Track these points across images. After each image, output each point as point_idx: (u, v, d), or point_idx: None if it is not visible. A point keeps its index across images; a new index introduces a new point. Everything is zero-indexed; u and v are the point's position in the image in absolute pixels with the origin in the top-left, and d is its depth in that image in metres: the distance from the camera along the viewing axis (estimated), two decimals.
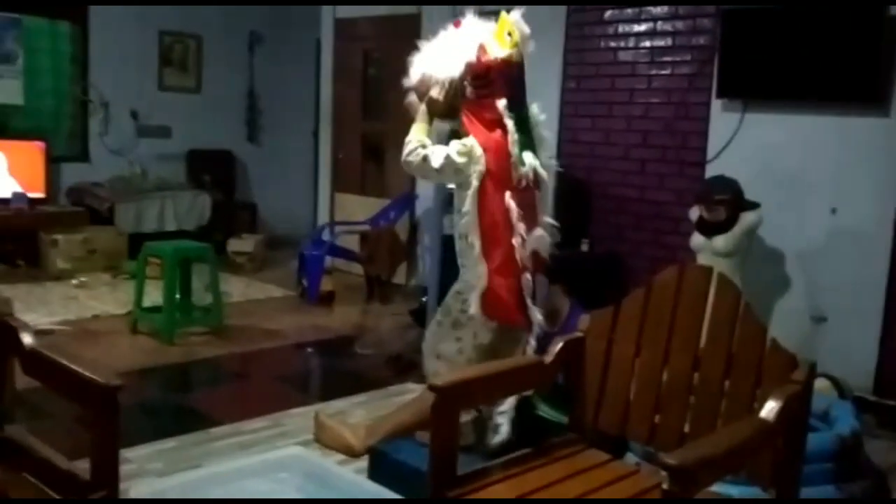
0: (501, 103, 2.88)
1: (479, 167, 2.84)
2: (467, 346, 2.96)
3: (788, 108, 4.47)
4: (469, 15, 2.99)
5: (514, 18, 2.90)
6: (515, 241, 2.84)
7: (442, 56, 2.94)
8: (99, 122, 7.40)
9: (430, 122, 2.98)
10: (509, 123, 2.87)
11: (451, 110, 2.96)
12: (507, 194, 2.85)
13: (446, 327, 3.00)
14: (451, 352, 2.98)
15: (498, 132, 2.88)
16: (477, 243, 2.85)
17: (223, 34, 8.10)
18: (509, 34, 2.88)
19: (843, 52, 4.16)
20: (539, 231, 2.92)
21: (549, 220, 3.00)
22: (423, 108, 2.96)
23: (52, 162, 6.96)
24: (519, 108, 2.93)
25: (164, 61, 7.84)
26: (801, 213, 4.44)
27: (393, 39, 6.52)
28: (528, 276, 2.87)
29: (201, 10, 7.88)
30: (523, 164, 2.87)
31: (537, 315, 2.89)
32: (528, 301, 2.88)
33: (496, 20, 2.93)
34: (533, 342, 2.87)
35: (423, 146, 2.88)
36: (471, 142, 2.87)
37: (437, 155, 2.85)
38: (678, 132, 4.98)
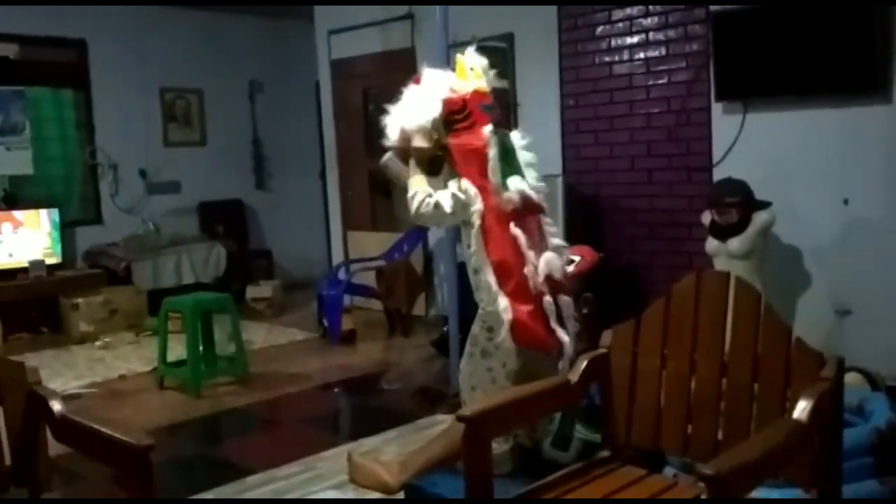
0: (487, 129, 2.96)
1: (478, 206, 2.89)
2: (499, 374, 2.97)
3: (789, 104, 4.47)
4: (426, 69, 3.10)
5: (469, 55, 3.06)
6: (527, 270, 2.86)
7: (414, 107, 3.00)
8: (109, 184, 7.50)
9: (425, 171, 3.01)
10: (490, 153, 2.92)
11: (437, 157, 3.00)
12: (512, 224, 2.88)
13: (477, 358, 3.01)
14: (484, 382, 2.99)
15: (486, 163, 2.93)
16: (492, 279, 2.87)
17: (223, 86, 8.21)
18: (471, 69, 3.03)
19: (837, 43, 4.17)
20: (549, 254, 2.93)
21: (558, 241, 3.01)
22: (412, 162, 3.00)
23: (67, 227, 7.05)
24: (503, 134, 3.01)
25: (168, 118, 7.95)
26: (813, 207, 4.43)
27: (390, 75, 6.58)
28: (547, 299, 2.88)
29: (200, 65, 8.00)
30: (507, 188, 2.90)
31: (564, 336, 2.90)
32: (553, 324, 2.89)
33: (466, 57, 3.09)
34: (567, 365, 2.86)
35: (430, 195, 2.91)
36: (465, 184, 2.92)
37: (445, 198, 2.90)
38: (681, 139, 4.99)
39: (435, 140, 2.97)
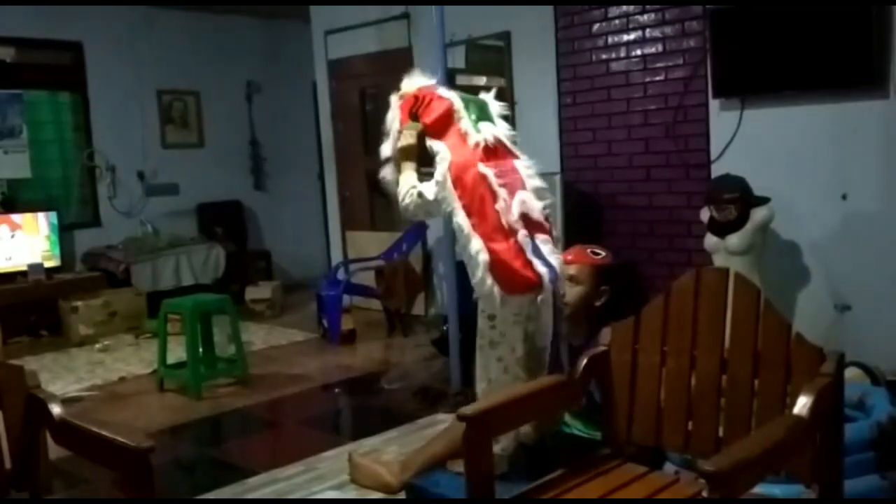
0: (441, 90, 3.06)
1: (445, 156, 2.90)
2: (510, 362, 2.94)
3: (786, 99, 4.47)
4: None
5: (404, 84, 3.18)
6: (498, 206, 2.83)
7: (388, 143, 3.11)
8: (107, 187, 7.49)
9: (415, 165, 3.04)
10: (457, 102, 2.98)
11: (423, 150, 3.03)
12: (480, 165, 2.86)
13: (486, 350, 2.98)
14: (496, 372, 2.96)
15: (454, 120, 2.98)
16: (465, 222, 2.86)
17: (220, 87, 8.20)
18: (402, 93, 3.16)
19: (834, 38, 4.16)
20: (524, 193, 2.89)
21: (537, 182, 2.96)
22: (402, 160, 3.04)
23: (65, 230, 7.04)
24: (465, 94, 3.08)
25: (165, 119, 7.95)
26: (812, 202, 4.43)
27: (387, 75, 6.56)
28: (522, 232, 2.84)
29: (197, 66, 8.00)
30: (478, 130, 2.94)
31: (541, 268, 2.84)
32: (530, 255, 2.84)
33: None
34: (549, 297, 2.83)
35: (414, 186, 2.95)
36: (431, 143, 2.95)
37: (428, 188, 2.92)
38: (679, 136, 4.98)
39: (415, 133, 3.02)
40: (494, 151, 2.93)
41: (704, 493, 1.60)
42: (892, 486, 2.72)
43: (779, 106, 4.51)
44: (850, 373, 3.20)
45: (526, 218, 2.86)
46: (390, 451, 3.70)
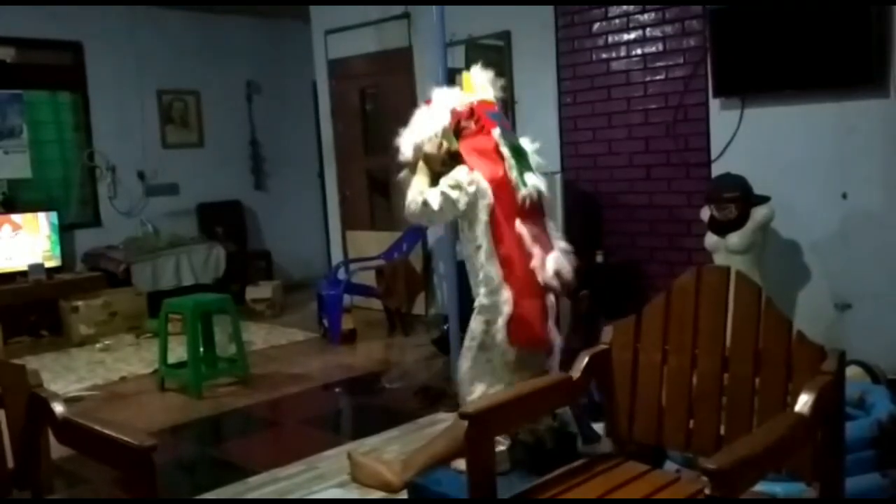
0: (496, 132, 3.03)
1: (487, 201, 2.95)
2: (498, 365, 2.99)
3: (786, 98, 4.47)
4: (436, 90, 3.21)
5: (474, 71, 3.19)
6: (534, 263, 2.92)
7: (425, 122, 3.10)
8: (107, 187, 7.50)
9: (431, 176, 3.07)
10: (505, 151, 3.00)
11: (446, 161, 3.07)
12: (517, 222, 2.94)
13: (475, 352, 3.03)
14: (485, 375, 3.00)
15: (498, 162, 3.00)
16: (498, 272, 2.90)
17: (220, 87, 8.21)
18: (477, 84, 3.16)
19: (834, 37, 4.17)
20: (558, 253, 3.00)
21: (563, 244, 3.08)
22: (420, 164, 3.07)
23: (65, 230, 7.04)
24: (511, 138, 3.10)
25: (166, 119, 7.95)
26: (812, 201, 4.43)
27: (387, 74, 6.60)
28: (551, 297, 2.94)
29: (197, 66, 8.00)
30: (525, 184, 2.98)
31: (557, 338, 2.97)
32: (551, 323, 2.95)
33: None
34: (555, 364, 2.92)
35: (421, 193, 3.00)
36: (475, 176, 2.96)
37: (433, 195, 2.96)
38: (679, 135, 4.99)
39: (445, 149, 3.04)
40: (531, 205, 2.99)
41: (706, 491, 1.60)
42: (892, 484, 2.72)
43: (779, 105, 4.52)
44: (851, 371, 3.20)
45: (559, 276, 2.95)
46: (391, 451, 3.70)
